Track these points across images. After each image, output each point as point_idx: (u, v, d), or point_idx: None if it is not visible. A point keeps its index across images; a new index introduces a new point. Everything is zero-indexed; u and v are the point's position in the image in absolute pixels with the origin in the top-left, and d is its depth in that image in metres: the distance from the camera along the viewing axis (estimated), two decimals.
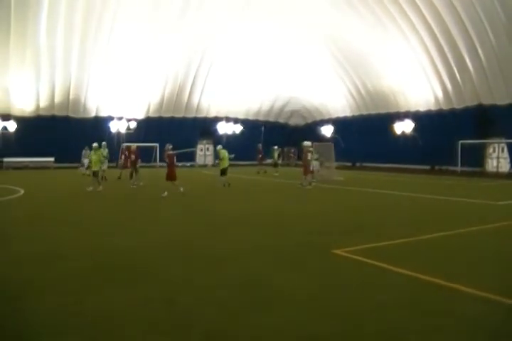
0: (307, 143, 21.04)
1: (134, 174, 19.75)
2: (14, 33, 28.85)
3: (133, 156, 20.33)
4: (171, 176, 16.34)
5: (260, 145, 31.04)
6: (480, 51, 27.29)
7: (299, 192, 18.44)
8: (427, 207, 13.90)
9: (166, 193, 15.68)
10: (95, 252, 7.63)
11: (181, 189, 16.17)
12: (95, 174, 17.78)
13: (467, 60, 28.37)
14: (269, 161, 32.51)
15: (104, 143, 23.47)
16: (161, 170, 32.46)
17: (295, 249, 7.98)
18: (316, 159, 23.95)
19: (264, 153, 31.07)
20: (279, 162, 30.32)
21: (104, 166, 22.07)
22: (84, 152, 26.32)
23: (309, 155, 20.53)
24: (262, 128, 30.60)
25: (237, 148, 36.53)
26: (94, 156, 17.98)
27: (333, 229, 9.89)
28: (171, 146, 16.93)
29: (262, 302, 5.28)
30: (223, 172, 19.43)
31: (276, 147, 30.26)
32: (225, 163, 19.54)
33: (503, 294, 5.42)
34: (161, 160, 33.66)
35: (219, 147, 20.47)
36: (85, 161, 25.46)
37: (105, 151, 22.61)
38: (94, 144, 18.29)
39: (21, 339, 4.35)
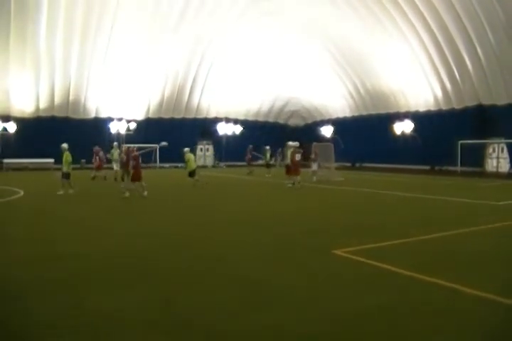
0: (295, 143, 21.05)
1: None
2: (14, 34, 28.88)
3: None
4: (138, 177, 16.32)
5: (251, 147, 30.85)
6: (479, 51, 27.33)
7: (298, 192, 18.45)
8: (427, 207, 13.89)
9: (127, 194, 15.86)
10: (94, 252, 7.64)
11: (145, 192, 16.10)
12: (65, 176, 16.85)
13: (466, 60, 28.41)
14: (260, 162, 32.36)
15: (115, 143, 23.49)
16: (161, 171, 32.56)
17: (295, 249, 7.97)
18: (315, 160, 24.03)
19: (255, 155, 31.09)
20: (272, 163, 30.11)
21: (116, 167, 21.98)
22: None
23: (297, 155, 20.56)
24: (268, 147, 30.32)
25: (236, 149, 36.68)
26: (63, 157, 17.00)
27: (332, 230, 9.89)
28: (136, 147, 17.35)
29: (261, 302, 5.27)
30: (191, 174, 19.86)
31: (267, 147, 30.00)
32: (192, 165, 19.98)
33: (503, 294, 5.42)
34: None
35: (186, 150, 20.71)
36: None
37: (116, 152, 22.55)
38: (63, 145, 17.23)
39: (22, 340, 4.35)
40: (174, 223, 10.88)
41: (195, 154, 40.11)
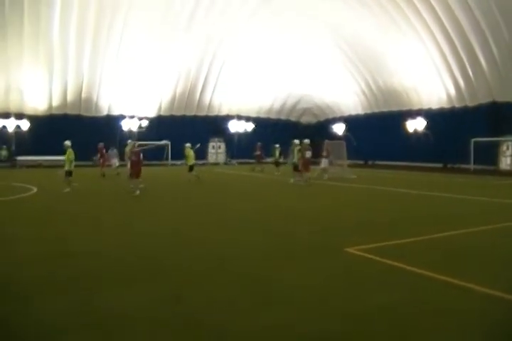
0: (306, 140, 21.00)
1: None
2: (27, 33, 29.11)
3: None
4: (138, 174, 16.40)
5: (260, 144, 30.91)
6: (493, 47, 27.02)
7: (310, 190, 18.38)
8: (440, 205, 13.78)
9: (138, 192, 15.78)
10: (100, 252, 7.62)
11: (141, 185, 16.58)
12: (66, 173, 17.03)
13: (480, 57, 28.10)
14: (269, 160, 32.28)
15: (129, 141, 23.56)
16: (172, 168, 32.61)
17: (307, 247, 7.93)
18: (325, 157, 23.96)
19: (264, 152, 31.12)
20: (281, 160, 29.97)
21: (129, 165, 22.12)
22: (110, 152, 26.13)
23: (308, 153, 20.46)
24: (277, 145, 30.39)
25: (248, 146, 36.65)
26: (65, 155, 17.11)
27: (345, 228, 9.83)
28: (137, 143, 17.56)
29: (270, 301, 5.24)
30: (191, 168, 21.01)
31: (277, 145, 29.89)
32: (191, 160, 21.10)
33: None
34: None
35: (187, 145, 21.65)
36: (114, 161, 25.49)
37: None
38: (66, 142, 17.30)
39: (25, 339, 4.35)
40: (182, 221, 10.85)
41: (206, 151, 40.46)
